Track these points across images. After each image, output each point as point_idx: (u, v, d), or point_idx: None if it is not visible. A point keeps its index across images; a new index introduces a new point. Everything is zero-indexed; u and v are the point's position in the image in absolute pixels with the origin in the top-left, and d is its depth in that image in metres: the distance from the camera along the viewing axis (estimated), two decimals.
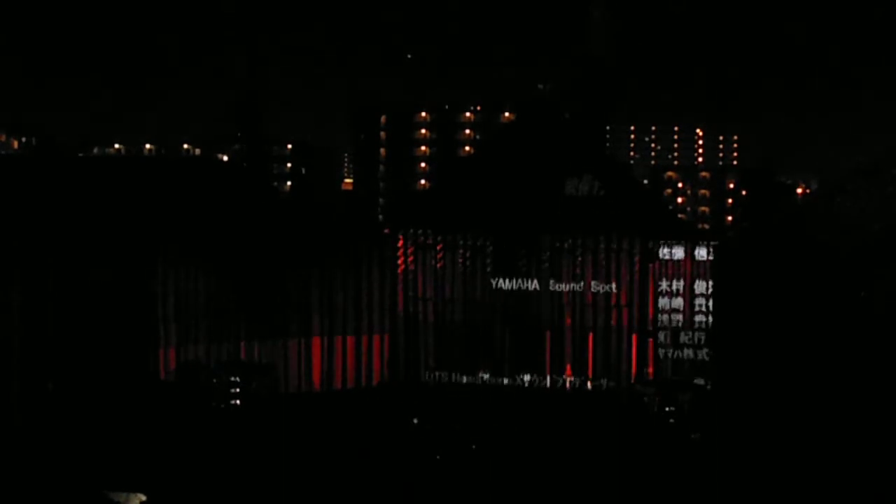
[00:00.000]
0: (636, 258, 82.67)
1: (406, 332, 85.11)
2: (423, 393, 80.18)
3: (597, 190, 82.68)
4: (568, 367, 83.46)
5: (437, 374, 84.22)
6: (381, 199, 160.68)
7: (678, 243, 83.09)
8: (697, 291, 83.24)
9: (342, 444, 63.80)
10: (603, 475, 59.40)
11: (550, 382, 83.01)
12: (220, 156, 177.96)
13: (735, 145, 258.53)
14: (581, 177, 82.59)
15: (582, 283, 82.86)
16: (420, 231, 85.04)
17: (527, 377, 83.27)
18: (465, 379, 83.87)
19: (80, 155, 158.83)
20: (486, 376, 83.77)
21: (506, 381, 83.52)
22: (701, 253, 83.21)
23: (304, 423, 68.94)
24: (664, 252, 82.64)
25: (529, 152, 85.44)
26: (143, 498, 54.01)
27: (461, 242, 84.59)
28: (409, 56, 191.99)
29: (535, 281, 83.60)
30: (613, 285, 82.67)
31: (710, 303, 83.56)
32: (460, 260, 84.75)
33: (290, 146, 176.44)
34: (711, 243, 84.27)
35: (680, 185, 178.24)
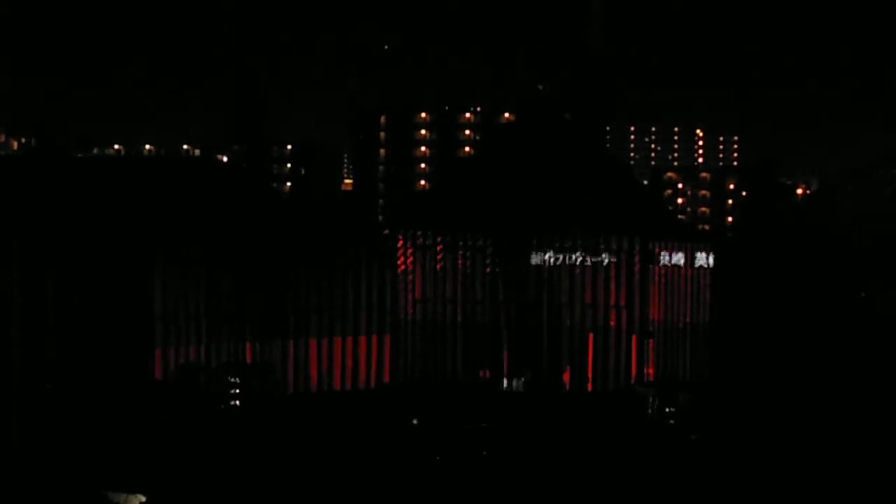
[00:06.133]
0: (636, 258, 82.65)
1: (406, 332, 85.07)
2: (423, 394, 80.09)
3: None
4: (568, 368, 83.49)
5: (436, 375, 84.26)
6: (380, 200, 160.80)
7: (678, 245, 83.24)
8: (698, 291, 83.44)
9: (342, 445, 63.75)
10: (603, 475, 59.40)
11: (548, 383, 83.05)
12: (219, 156, 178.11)
13: (735, 146, 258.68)
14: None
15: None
16: (420, 232, 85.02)
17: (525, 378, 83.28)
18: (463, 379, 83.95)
19: (80, 155, 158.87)
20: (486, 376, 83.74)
21: (505, 383, 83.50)
22: (701, 255, 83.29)
23: (304, 424, 68.87)
24: (664, 255, 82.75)
25: (530, 153, 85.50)
26: (143, 499, 53.96)
27: (461, 243, 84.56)
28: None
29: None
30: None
31: (710, 303, 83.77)
32: (460, 261, 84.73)
33: (290, 146, 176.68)
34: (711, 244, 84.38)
35: (680, 185, 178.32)
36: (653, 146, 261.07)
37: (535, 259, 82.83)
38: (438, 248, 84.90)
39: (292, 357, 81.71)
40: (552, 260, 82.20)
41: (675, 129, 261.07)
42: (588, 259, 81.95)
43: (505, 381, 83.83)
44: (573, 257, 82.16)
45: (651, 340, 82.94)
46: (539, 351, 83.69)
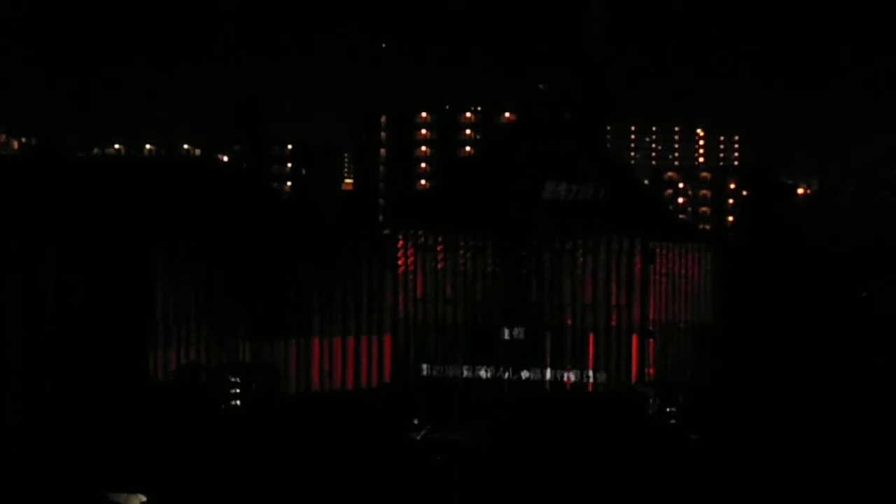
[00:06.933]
0: (636, 258, 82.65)
1: (406, 332, 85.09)
2: (423, 394, 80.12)
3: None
4: (568, 368, 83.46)
5: (437, 369, 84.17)
6: (380, 200, 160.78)
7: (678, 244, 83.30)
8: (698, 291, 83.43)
9: (342, 445, 63.77)
10: (604, 475, 59.40)
11: (550, 380, 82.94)
12: (220, 156, 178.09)
13: (736, 145, 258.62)
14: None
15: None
16: (420, 232, 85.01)
17: (526, 374, 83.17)
18: (464, 372, 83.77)
19: (80, 155, 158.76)
20: (486, 374, 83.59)
21: (506, 376, 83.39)
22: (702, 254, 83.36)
23: (305, 424, 68.89)
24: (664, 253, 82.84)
25: (530, 153, 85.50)
26: (144, 498, 53.97)
27: (462, 243, 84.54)
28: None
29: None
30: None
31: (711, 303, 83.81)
32: (460, 260, 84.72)
33: (290, 146, 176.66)
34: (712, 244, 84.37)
35: (681, 185, 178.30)
36: (653, 146, 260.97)
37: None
38: (439, 247, 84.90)
39: (294, 357, 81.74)
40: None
41: (676, 128, 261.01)
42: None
43: (506, 378, 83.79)
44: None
45: (651, 340, 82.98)
46: (540, 351, 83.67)
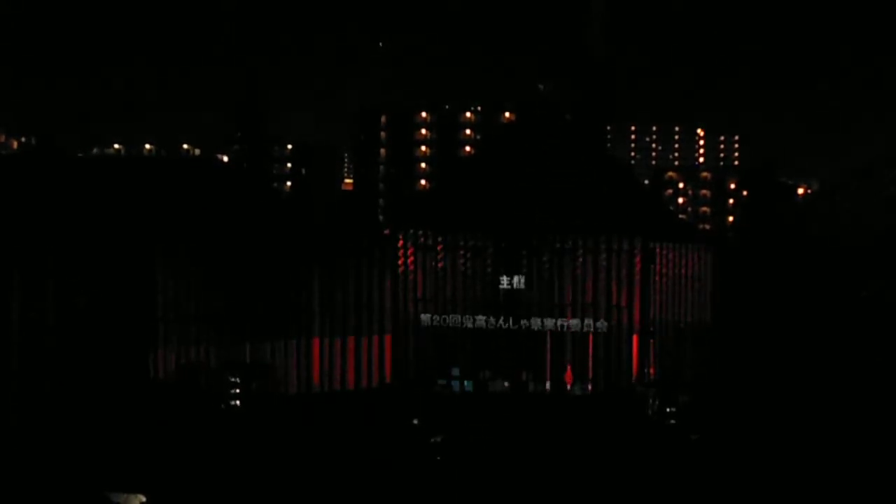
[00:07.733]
0: (636, 258, 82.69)
1: (406, 333, 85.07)
2: (423, 394, 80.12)
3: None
4: (569, 367, 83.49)
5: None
6: (380, 200, 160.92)
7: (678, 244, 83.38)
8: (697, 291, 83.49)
9: (342, 445, 63.78)
10: (603, 475, 59.41)
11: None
12: (220, 156, 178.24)
13: (736, 145, 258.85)
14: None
15: None
16: (420, 232, 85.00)
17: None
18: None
19: (80, 155, 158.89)
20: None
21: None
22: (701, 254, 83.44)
23: (305, 425, 68.87)
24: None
25: (530, 153, 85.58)
26: (143, 498, 53.97)
27: (462, 243, 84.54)
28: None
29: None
30: None
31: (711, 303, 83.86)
32: (461, 260, 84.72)
33: (290, 146, 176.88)
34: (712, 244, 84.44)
35: (681, 185, 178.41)
36: (653, 146, 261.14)
37: None
38: (439, 247, 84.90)
39: (295, 357, 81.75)
40: None
41: (676, 128, 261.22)
42: None
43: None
44: None
45: (651, 340, 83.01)
46: (540, 351, 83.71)
